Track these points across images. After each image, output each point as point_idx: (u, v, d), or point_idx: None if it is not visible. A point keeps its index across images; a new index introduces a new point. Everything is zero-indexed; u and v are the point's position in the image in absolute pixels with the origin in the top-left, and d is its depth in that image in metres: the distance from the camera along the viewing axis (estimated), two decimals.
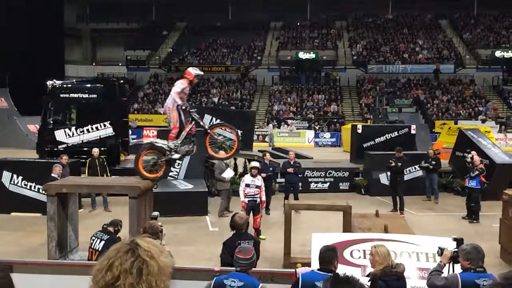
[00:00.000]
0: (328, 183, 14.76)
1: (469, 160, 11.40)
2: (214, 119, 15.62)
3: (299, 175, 12.48)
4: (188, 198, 11.64)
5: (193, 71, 7.99)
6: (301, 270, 4.72)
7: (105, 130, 13.92)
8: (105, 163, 12.14)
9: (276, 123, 32.78)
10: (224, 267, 4.78)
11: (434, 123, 31.55)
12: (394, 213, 11.43)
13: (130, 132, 18.73)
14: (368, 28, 43.78)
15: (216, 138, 8.16)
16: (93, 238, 6.18)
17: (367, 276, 4.68)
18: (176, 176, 13.07)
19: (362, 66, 39.01)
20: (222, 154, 8.66)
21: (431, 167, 13.12)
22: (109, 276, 1.54)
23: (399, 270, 4.51)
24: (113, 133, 14.03)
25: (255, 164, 10.34)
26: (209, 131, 8.03)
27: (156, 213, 6.30)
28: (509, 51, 38.27)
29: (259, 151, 16.07)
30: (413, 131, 15.76)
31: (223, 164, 11.95)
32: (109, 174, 12.07)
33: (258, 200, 9.66)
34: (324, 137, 31.57)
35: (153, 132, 26.49)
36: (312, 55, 39.82)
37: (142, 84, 39.83)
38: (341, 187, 14.78)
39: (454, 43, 41.20)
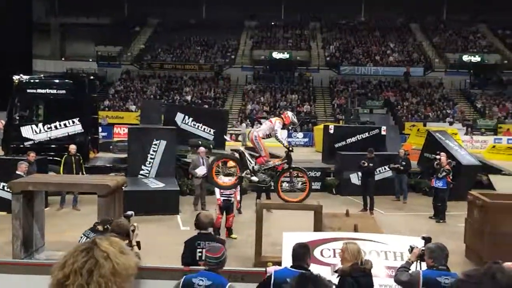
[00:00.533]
0: (300, 183, 14.82)
1: (437, 161, 11.71)
2: (186, 117, 15.50)
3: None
4: (159, 197, 11.49)
5: (291, 116, 8.49)
6: (271, 268, 4.73)
7: (74, 127, 13.59)
8: (81, 161, 11.91)
9: (249, 123, 32.79)
10: (194, 267, 4.73)
11: (404, 124, 32.21)
12: (364, 212, 11.60)
13: (100, 129, 18.36)
14: (341, 30, 44.35)
15: (292, 180, 8.62)
16: (82, 236, 5.94)
17: (336, 272, 4.72)
18: (147, 175, 12.89)
19: (335, 67, 39.47)
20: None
21: (401, 168, 13.38)
22: (60, 275, 1.49)
23: (367, 267, 4.57)
24: (82, 130, 13.72)
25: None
26: (291, 170, 8.45)
27: (130, 212, 6.17)
28: (476, 56, 39.45)
29: (231, 150, 16.02)
30: (383, 132, 16.01)
31: (199, 160, 12.07)
32: (84, 173, 11.82)
33: (233, 199, 9.70)
34: (297, 137, 31.77)
35: (124, 130, 26.06)
36: (286, 55, 40.03)
37: (113, 80, 39.13)
38: (312, 187, 14.81)
39: (424, 46, 42.19)
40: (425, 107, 35.18)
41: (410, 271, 4.54)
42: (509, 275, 1.26)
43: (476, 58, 39.30)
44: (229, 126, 25.81)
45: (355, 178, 13.88)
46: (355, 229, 8.00)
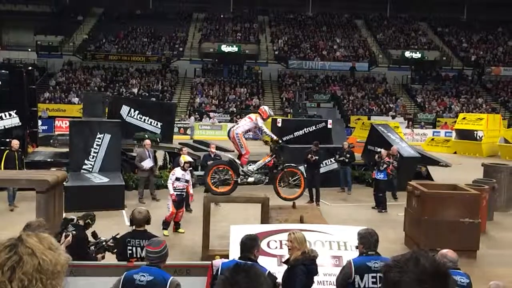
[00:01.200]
0: (295, 180, 14.85)
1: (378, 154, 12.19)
2: (132, 110, 15.09)
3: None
4: (103, 192, 11.13)
5: (268, 110, 8.70)
6: (218, 261, 4.72)
7: (11, 119, 12.87)
8: (23, 156, 11.31)
9: (198, 116, 32.51)
10: (138, 262, 4.62)
11: (350, 118, 33.17)
12: (311, 204, 11.82)
13: (40, 122, 17.51)
14: (289, 25, 44.83)
15: (288, 178, 8.83)
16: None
17: (285, 263, 4.78)
18: (90, 169, 12.45)
19: (283, 61, 39.87)
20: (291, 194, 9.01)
21: (346, 160, 13.74)
22: None
23: (315, 255, 4.69)
24: (20, 123, 13.02)
25: (189, 158, 10.21)
26: (285, 170, 8.70)
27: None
28: (417, 52, 41.21)
29: (179, 143, 15.82)
30: (329, 126, 16.35)
31: (145, 153, 12.04)
32: (24, 168, 11.22)
33: (185, 194, 9.64)
34: None
35: (66, 123, 25.04)
36: (234, 49, 39.94)
37: (54, 71, 37.41)
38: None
39: (368, 42, 43.50)
40: (369, 101, 36.34)
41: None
42: (432, 259, 1.32)
43: (417, 55, 41.06)
44: (177, 119, 25.51)
45: (302, 171, 14.09)
46: (301, 221, 8.14)
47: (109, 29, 41.09)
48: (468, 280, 4.42)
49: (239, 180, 8.41)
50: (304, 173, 9.28)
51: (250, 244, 4.43)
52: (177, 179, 9.43)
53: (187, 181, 9.56)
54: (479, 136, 24.52)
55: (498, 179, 11.53)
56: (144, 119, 14.97)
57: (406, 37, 43.95)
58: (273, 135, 8.81)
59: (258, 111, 8.80)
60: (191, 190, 9.87)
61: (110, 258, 5.61)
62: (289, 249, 4.80)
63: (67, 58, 38.41)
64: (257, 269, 1.73)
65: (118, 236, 5.52)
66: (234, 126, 8.61)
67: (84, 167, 12.42)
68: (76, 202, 9.82)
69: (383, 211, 11.71)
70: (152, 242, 3.96)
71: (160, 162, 15.35)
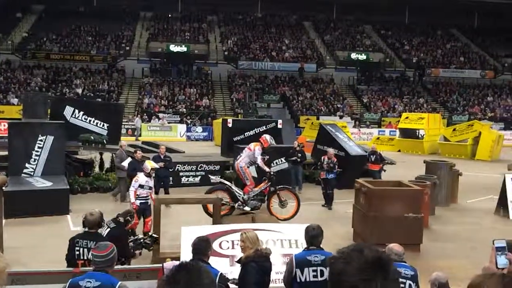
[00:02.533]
0: (199, 177, 14.77)
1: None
2: (76, 111, 14.53)
3: (170, 169, 12.31)
4: (46, 196, 10.64)
5: (269, 139, 9.32)
6: (168, 264, 4.63)
7: None
8: None
9: (146, 117, 31.85)
10: (84, 268, 4.44)
11: (299, 118, 33.69)
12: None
13: None
14: (239, 25, 44.93)
15: (283, 199, 9.29)
16: (104, 226, 5.96)
17: (238, 262, 4.77)
18: (31, 173, 11.87)
19: (233, 61, 39.88)
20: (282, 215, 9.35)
21: (298, 160, 13.97)
22: None
23: (268, 252, 4.71)
24: None
25: (155, 165, 9.53)
26: (278, 192, 9.19)
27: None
28: (363, 54, 42.55)
29: (129, 145, 15.41)
30: (279, 126, 16.52)
31: (124, 153, 12.17)
32: None
33: (150, 201, 8.89)
34: (196, 131, 31.60)
35: (4, 125, 23.74)
36: (183, 48, 39.49)
37: None
38: (212, 181, 14.87)
39: (316, 44, 44.40)
40: (318, 101, 37.09)
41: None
42: (376, 250, 1.37)
43: (363, 56, 42.39)
44: (124, 120, 24.85)
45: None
46: (253, 220, 8.17)
47: (50, 27, 39.32)
48: (413, 272, 4.59)
49: (236, 205, 8.80)
50: (298, 196, 9.88)
51: (203, 246, 4.40)
52: (141, 186, 8.75)
53: (150, 188, 8.90)
54: (421, 135, 25.66)
55: (439, 175, 12.10)
56: (90, 120, 14.46)
57: (352, 39, 45.24)
58: (265, 167, 9.22)
59: (260, 139, 9.33)
60: (153, 196, 9.38)
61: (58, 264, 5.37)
62: (242, 249, 4.79)
63: (5, 57, 36.41)
64: (201, 268, 1.69)
65: (155, 235, 5.98)
66: (238, 158, 9.39)
67: (25, 170, 11.83)
68: (17, 207, 9.34)
69: (329, 208, 12.11)
70: (98, 246, 3.81)
71: (107, 165, 14.91)
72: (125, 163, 11.80)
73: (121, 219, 5.99)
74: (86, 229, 5.18)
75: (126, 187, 11.59)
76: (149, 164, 9.09)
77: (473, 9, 45.13)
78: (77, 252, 5.06)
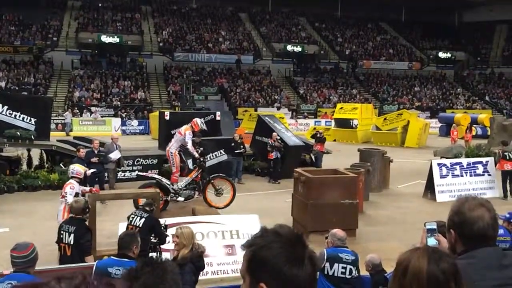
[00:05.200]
0: (136, 171, 14.36)
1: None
2: (0, 105, 13.57)
3: (105, 164, 11.89)
4: None
5: (200, 123, 9.28)
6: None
7: None
8: None
9: (77, 111, 30.46)
10: (5, 271, 4.15)
11: (237, 110, 33.74)
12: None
13: None
14: (173, 16, 44.01)
15: (218, 187, 9.18)
16: (132, 216, 6.22)
17: (173, 260, 4.67)
18: None
19: (168, 53, 39.06)
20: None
21: (244, 151, 14.12)
22: None
23: (203, 250, 4.64)
24: None
25: (88, 170, 8.87)
26: (212, 181, 9.06)
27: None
28: (298, 46, 43.30)
29: (58, 141, 14.65)
30: (218, 118, 16.44)
31: (114, 146, 12.16)
32: None
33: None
34: (132, 125, 30.71)
35: None
36: (116, 39, 38.07)
37: None
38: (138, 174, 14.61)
39: (252, 35, 44.55)
40: (255, 93, 37.32)
41: None
42: (289, 227, 1.41)
43: (298, 48, 43.14)
44: (54, 115, 23.59)
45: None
46: (193, 213, 8.08)
47: None
48: (354, 257, 4.76)
49: (169, 198, 8.58)
50: (234, 184, 9.84)
51: (128, 241, 4.30)
52: (77, 194, 7.87)
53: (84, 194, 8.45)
54: (354, 124, 26.61)
55: (372, 163, 12.63)
56: (15, 115, 13.55)
57: (287, 31, 45.86)
58: (195, 153, 9.10)
59: (191, 123, 9.12)
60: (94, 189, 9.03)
61: None
62: (175, 245, 4.69)
63: None
64: (167, 266, 1.63)
65: (167, 223, 6.10)
66: (169, 144, 9.11)
67: None
68: None
69: (277, 182, 13.45)
70: (18, 246, 3.57)
71: (36, 161, 14.11)
72: (113, 155, 12.04)
73: (147, 208, 6.22)
74: (72, 215, 5.54)
75: (114, 175, 12.48)
76: (80, 168, 8.44)
77: (401, 3, 47.33)
78: (61, 236, 5.46)
